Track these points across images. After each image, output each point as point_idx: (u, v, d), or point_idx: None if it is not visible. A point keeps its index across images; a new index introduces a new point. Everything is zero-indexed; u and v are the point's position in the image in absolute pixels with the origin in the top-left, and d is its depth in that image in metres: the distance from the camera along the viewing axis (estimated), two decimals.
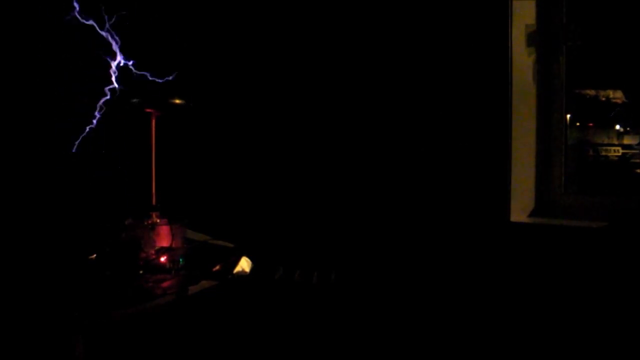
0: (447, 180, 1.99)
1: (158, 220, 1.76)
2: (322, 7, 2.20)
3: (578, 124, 2.15)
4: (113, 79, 1.80)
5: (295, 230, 2.20)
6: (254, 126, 2.38)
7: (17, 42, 2.00)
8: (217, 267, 1.75)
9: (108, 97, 1.81)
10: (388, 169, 2.10)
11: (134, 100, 1.77)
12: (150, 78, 1.83)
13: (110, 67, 1.80)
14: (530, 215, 1.97)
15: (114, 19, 1.79)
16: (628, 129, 2.15)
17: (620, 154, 2.13)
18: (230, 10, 2.40)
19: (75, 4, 1.74)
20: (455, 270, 1.95)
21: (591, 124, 2.18)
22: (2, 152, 1.97)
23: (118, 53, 1.79)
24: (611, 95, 2.14)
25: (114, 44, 1.78)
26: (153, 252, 1.67)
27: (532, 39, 1.93)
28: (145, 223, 1.73)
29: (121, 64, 1.81)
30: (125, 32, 1.82)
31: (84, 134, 1.91)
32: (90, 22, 1.78)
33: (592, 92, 2.15)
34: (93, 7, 1.79)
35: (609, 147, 2.14)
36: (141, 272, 1.62)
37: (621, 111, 2.11)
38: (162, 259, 1.66)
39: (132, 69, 1.81)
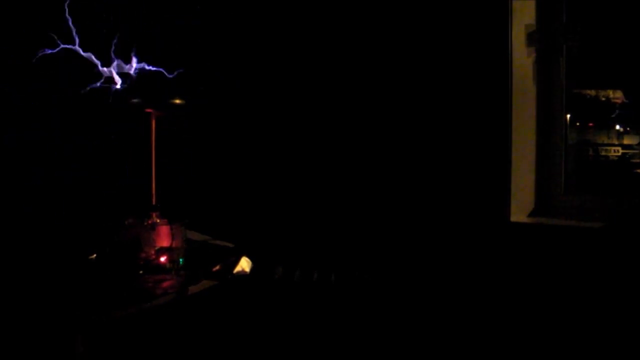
0: (447, 180, 1.99)
1: (158, 220, 1.75)
2: (323, 6, 2.20)
3: (578, 124, 2.15)
4: (114, 76, 1.80)
5: (295, 230, 2.19)
6: (255, 126, 2.38)
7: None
8: (217, 267, 1.75)
9: (109, 95, 1.80)
10: (388, 169, 2.10)
11: (134, 100, 1.77)
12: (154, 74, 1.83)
13: (110, 65, 1.79)
14: (530, 215, 1.97)
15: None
16: (628, 129, 2.15)
17: (620, 154, 2.13)
18: (231, 10, 2.40)
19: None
20: (456, 270, 1.95)
21: (591, 124, 2.18)
22: (3, 152, 1.97)
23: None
24: (611, 95, 2.14)
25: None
26: (153, 252, 1.67)
27: (532, 39, 1.93)
28: (145, 223, 1.73)
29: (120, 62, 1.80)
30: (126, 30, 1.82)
31: (84, 132, 1.91)
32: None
33: (592, 92, 2.15)
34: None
35: (609, 147, 2.14)
36: (141, 272, 1.62)
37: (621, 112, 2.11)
38: (162, 259, 1.66)
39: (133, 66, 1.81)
